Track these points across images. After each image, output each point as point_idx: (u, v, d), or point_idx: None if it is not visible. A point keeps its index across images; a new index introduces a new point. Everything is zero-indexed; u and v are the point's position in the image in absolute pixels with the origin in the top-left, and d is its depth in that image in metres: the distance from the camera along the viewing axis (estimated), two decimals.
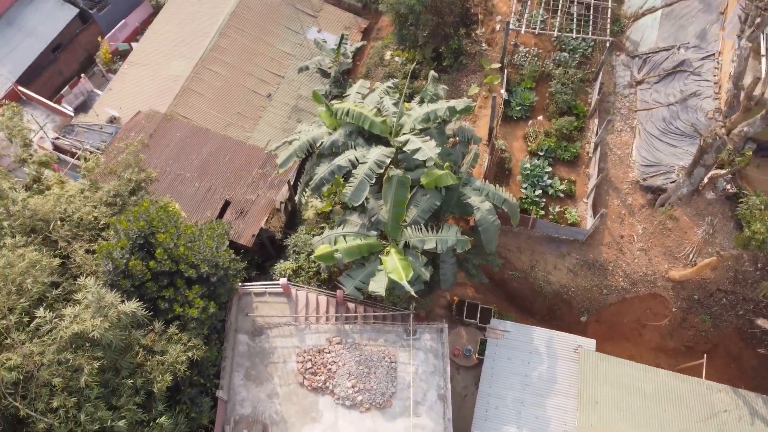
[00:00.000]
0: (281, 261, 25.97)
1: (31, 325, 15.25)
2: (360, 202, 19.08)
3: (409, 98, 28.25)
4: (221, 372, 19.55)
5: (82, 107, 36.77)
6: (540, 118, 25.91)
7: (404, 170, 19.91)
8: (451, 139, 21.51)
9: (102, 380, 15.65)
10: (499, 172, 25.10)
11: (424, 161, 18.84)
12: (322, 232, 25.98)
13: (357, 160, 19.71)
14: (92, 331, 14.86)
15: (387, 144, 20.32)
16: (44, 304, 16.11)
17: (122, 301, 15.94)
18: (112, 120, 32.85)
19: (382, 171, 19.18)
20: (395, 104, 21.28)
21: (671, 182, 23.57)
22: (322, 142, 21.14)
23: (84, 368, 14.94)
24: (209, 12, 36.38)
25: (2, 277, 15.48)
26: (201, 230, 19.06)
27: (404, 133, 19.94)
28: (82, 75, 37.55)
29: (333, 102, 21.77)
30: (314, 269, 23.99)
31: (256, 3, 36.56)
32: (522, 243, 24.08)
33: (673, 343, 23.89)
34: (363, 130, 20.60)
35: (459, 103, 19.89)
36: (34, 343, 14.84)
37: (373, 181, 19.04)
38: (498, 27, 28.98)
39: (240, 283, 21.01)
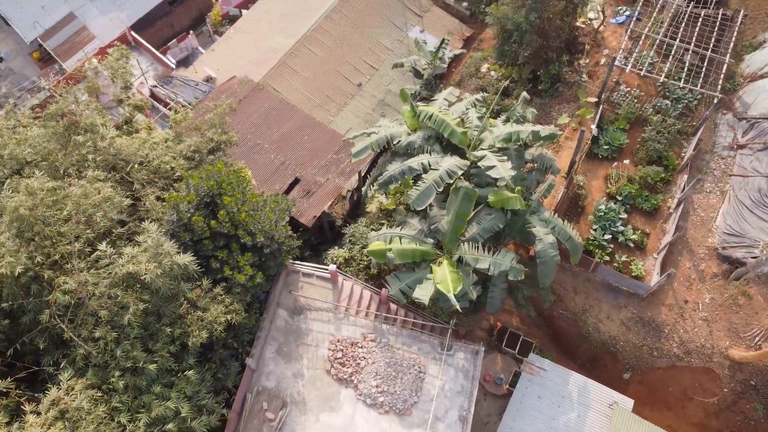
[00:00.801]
0: (336, 247, 26.24)
1: (92, 256, 15.97)
2: (423, 207, 18.95)
3: (496, 114, 27.87)
4: (255, 341, 19.92)
5: (184, 62, 38.35)
6: (626, 161, 24.91)
7: (474, 185, 19.63)
8: (528, 164, 21.03)
9: (143, 322, 16.23)
10: (572, 207, 24.35)
11: (496, 180, 18.52)
12: (380, 229, 26.12)
13: (429, 165, 19.60)
14: (145, 274, 15.41)
15: (462, 156, 20.09)
16: (108, 239, 16.90)
17: (178, 252, 16.45)
18: (208, 79, 34.09)
19: (451, 181, 18.97)
20: (480, 118, 21.00)
21: (753, 257, 22.14)
22: (399, 141, 21.16)
23: (130, 307, 15.53)
24: None
25: (76, 206, 16.28)
26: (265, 201, 19.48)
27: (482, 149, 19.66)
28: (191, 32, 39.18)
29: (419, 103, 21.73)
30: (365, 263, 24.10)
31: None
32: (579, 284, 23.27)
33: (718, 424, 22.48)
34: (442, 137, 20.47)
35: (544, 130, 19.40)
36: (90, 273, 15.55)
37: (441, 190, 18.87)
38: (603, 61, 28.08)
39: (291, 260, 21.34)
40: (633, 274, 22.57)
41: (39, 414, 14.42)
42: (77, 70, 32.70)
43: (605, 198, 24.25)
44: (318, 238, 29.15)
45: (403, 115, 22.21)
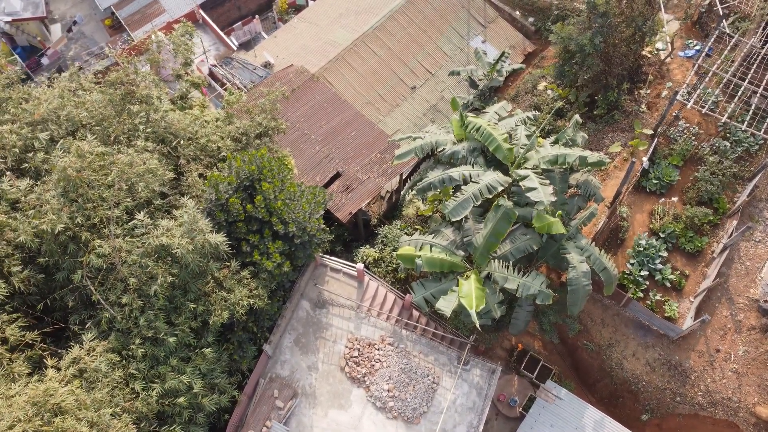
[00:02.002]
0: (367, 246, 26.28)
1: (129, 224, 16.39)
2: (459, 219, 18.77)
3: (547, 134, 27.43)
4: (275, 328, 20.13)
5: (246, 45, 39.07)
6: (674, 199, 24.10)
7: (513, 204, 19.36)
8: (572, 189, 20.59)
9: (169, 295, 16.57)
10: (611, 238, 23.73)
11: (535, 202, 18.20)
12: (413, 233, 26.03)
13: (470, 178, 19.42)
14: (176, 248, 15.73)
15: (505, 172, 19.83)
16: (147, 209, 17.35)
17: (211, 231, 16.73)
18: (267, 65, 34.60)
19: (490, 196, 18.75)
20: (528, 136, 20.68)
21: None
22: (444, 149, 21.05)
23: (158, 278, 15.86)
24: None
25: (120, 173, 16.74)
26: (303, 192, 19.64)
27: (526, 168, 19.35)
28: (256, 16, 39.84)
29: (468, 114, 21.54)
30: (394, 265, 24.07)
31: None
32: (607, 317, 22.67)
33: None
34: (487, 150, 20.25)
35: (592, 156, 18.97)
36: (125, 241, 15.97)
37: (478, 203, 18.66)
38: (665, 94, 27.24)
39: (321, 254, 21.46)
40: (665, 315, 21.84)
41: (59, 370, 14.90)
42: (142, 42, 33.70)
43: (647, 233, 23.53)
44: (351, 235, 29.26)
45: (451, 123, 22.08)
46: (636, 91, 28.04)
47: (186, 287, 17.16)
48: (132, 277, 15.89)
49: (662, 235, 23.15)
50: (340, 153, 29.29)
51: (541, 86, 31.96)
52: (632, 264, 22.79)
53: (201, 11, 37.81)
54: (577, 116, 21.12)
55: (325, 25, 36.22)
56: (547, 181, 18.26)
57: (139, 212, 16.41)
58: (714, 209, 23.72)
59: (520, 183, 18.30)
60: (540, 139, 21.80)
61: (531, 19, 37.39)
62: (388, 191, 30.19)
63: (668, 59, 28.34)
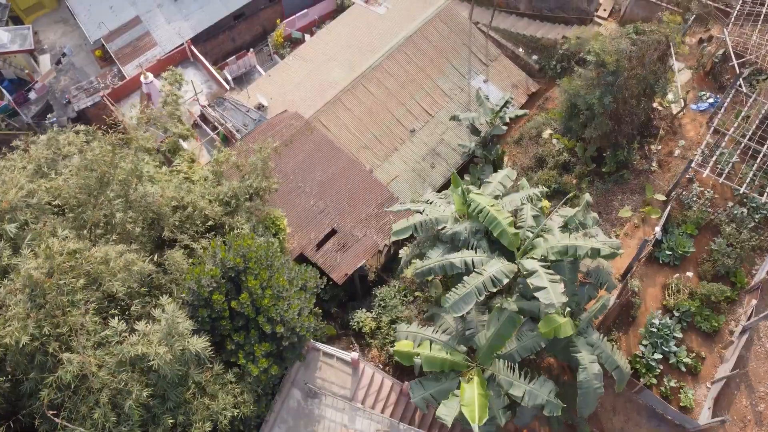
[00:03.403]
0: (363, 310, 25.00)
1: (102, 333, 14.98)
2: (460, 315, 17.40)
3: (554, 194, 26.17)
4: (263, 423, 18.79)
5: (240, 79, 37.63)
6: (689, 274, 22.71)
7: (519, 295, 18.04)
8: (580, 275, 19.22)
9: (146, 404, 15.23)
10: (622, 314, 22.36)
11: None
12: (414, 300, 24.73)
13: (473, 266, 18.05)
14: (153, 359, 14.40)
15: (511, 257, 18.48)
16: (123, 305, 16.06)
17: (193, 334, 15.39)
18: (260, 107, 33.21)
19: (495, 290, 17.37)
20: (535, 218, 19.31)
21: None
22: (444, 227, 19.73)
23: (134, 394, 14.53)
24: (386, 29, 35.81)
25: (95, 273, 15.39)
26: (292, 281, 18.25)
27: (533, 257, 17.96)
28: (251, 50, 38.41)
29: (471, 188, 20.18)
30: (392, 337, 22.79)
31: (435, 35, 35.51)
32: (619, 404, 21.32)
33: None
34: (491, 232, 18.89)
35: (604, 248, 17.53)
36: (96, 355, 14.60)
37: (482, 298, 17.30)
38: (677, 152, 25.85)
39: (312, 339, 20.13)
40: (681, 404, 20.47)
41: None
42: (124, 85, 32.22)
43: (660, 311, 22.15)
44: (347, 293, 27.95)
45: (452, 194, 20.78)
46: (647, 147, 26.67)
47: (165, 395, 15.81)
48: (105, 388, 14.55)
49: (676, 314, 21.77)
50: (335, 207, 27.97)
51: (545, 134, 30.59)
52: (645, 345, 21.41)
53: (192, 47, 36.36)
54: (587, 196, 19.77)
55: (321, 64, 34.83)
56: (557, 277, 16.87)
57: (114, 318, 15.03)
58: (731, 283, 22.33)
59: (528, 281, 16.91)
60: (545, 203, 20.50)
61: (535, 57, 36.01)
62: (386, 245, 28.86)
63: (681, 114, 26.95)
